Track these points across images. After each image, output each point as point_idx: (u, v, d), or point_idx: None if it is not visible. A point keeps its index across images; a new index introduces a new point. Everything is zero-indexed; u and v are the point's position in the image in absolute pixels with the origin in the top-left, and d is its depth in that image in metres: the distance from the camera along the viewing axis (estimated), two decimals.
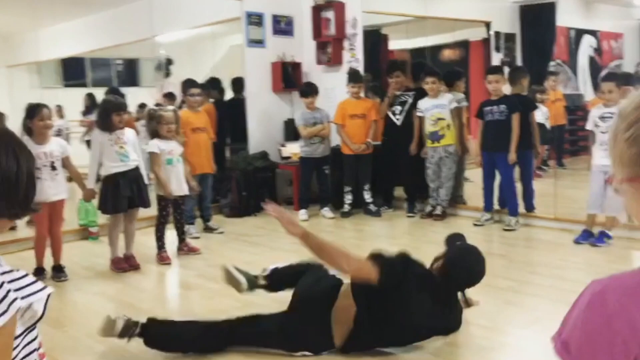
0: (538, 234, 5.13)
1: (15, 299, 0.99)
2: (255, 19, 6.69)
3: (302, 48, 6.99)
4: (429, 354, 2.84)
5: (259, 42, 6.74)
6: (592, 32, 8.87)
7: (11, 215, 1.08)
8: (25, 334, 1.06)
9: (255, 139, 6.79)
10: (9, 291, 0.99)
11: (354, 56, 6.63)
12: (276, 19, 6.86)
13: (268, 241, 5.37)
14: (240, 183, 6.34)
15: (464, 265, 2.80)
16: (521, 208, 5.37)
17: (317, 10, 6.77)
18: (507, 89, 5.40)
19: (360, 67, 6.46)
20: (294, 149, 6.60)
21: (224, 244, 5.24)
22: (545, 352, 2.63)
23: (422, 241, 5.02)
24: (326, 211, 6.12)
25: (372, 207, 6.03)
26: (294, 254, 5.02)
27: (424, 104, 5.60)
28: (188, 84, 5.50)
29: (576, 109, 8.18)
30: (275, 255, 4.98)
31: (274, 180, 6.73)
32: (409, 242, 5.05)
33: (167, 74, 7.69)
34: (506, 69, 5.89)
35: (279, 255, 4.96)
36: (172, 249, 4.81)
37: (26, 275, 1.04)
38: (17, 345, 1.05)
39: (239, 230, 5.74)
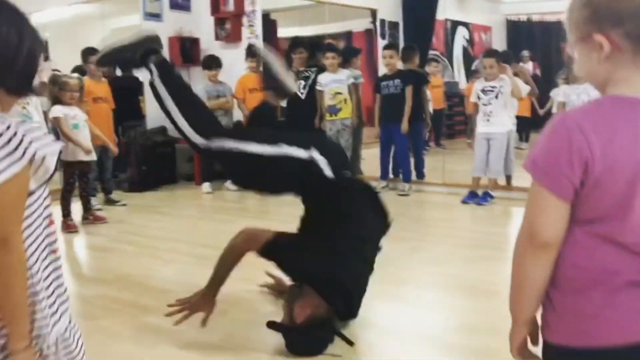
0: (430, 198, 5.61)
1: (30, 143, 1.04)
2: None
3: (200, 23, 7.00)
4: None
5: (156, 16, 6.67)
6: (465, 25, 9.64)
7: (9, 88, 1.13)
8: (41, 192, 1.12)
9: (153, 114, 6.70)
10: (24, 136, 1.04)
11: (253, 32, 6.76)
12: None
13: (173, 210, 5.40)
14: (139, 157, 6.26)
15: None
16: (413, 176, 5.82)
17: None
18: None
19: (259, 43, 6.60)
20: None
21: (129, 214, 5.19)
22: (448, 283, 3.00)
23: None
24: (229, 184, 6.21)
25: None
26: (203, 220, 5.12)
27: (323, 78, 5.86)
28: (88, 51, 5.36)
29: (453, 95, 8.90)
30: (184, 222, 5.04)
31: (174, 155, 6.70)
32: None
33: (46, 58, 7.33)
34: None
35: (187, 222, 5.03)
36: (77, 219, 4.71)
37: (39, 126, 1.10)
38: (34, 202, 1.11)
39: (141, 202, 5.69)
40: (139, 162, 6.24)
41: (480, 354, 2.39)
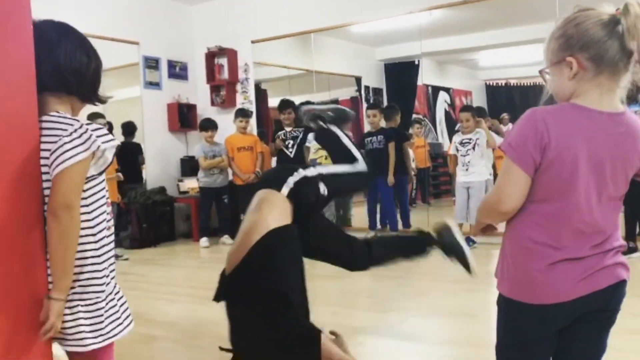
0: None
1: (97, 138, 1.41)
2: (151, 63, 7.13)
3: (196, 91, 7.51)
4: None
5: (155, 85, 7.17)
6: (446, 89, 10.23)
7: (81, 97, 1.52)
8: (102, 178, 1.48)
9: (152, 175, 7.09)
10: (92, 132, 1.41)
11: (247, 98, 7.27)
12: (171, 64, 7.36)
13: (173, 262, 5.68)
14: (140, 216, 6.58)
15: None
16: (399, 225, 6.16)
17: (210, 56, 7.37)
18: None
19: (253, 109, 7.09)
20: (191, 184, 6.99)
21: (131, 267, 5.46)
22: (431, 310, 3.24)
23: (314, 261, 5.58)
24: (226, 238, 6.52)
25: None
26: (200, 269, 5.40)
27: (310, 135, 6.30)
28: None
29: (437, 156, 9.35)
30: (184, 271, 5.32)
31: (172, 214, 7.03)
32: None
33: None
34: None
35: (187, 271, 5.31)
36: None
37: (102, 127, 1.47)
38: (94, 187, 1.46)
39: (142, 257, 5.96)
40: (139, 220, 6.56)
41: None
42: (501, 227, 1.48)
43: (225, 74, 7.34)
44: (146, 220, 6.59)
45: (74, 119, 1.45)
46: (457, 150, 5.62)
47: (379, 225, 6.29)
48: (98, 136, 1.43)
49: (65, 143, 1.39)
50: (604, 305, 1.38)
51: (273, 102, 8.68)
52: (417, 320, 3.38)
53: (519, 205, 1.34)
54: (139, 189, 6.87)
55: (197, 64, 7.52)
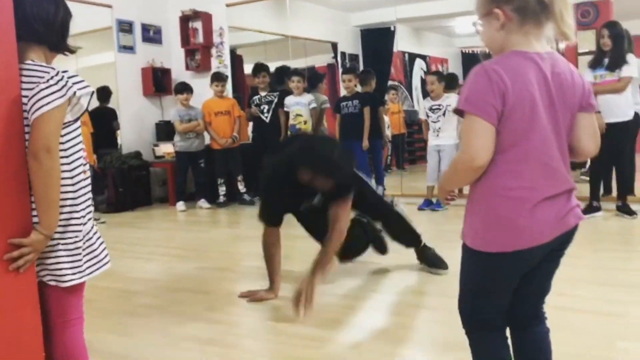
0: None
1: (72, 86, 1.47)
2: (125, 27, 7.05)
3: (170, 55, 7.46)
4: None
5: (129, 49, 7.10)
6: (423, 57, 10.30)
7: (50, 45, 1.56)
8: (73, 123, 1.53)
9: (127, 140, 7.08)
10: (68, 79, 1.47)
11: (222, 62, 7.25)
12: (145, 28, 7.28)
13: (150, 224, 5.74)
14: (116, 180, 6.59)
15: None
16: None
17: (184, 20, 7.31)
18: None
19: (228, 73, 7.08)
20: (167, 149, 7.00)
21: (109, 230, 5.49)
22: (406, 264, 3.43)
23: (291, 221, 5.66)
24: (203, 202, 6.58)
25: (246, 197, 6.61)
26: (177, 231, 5.46)
27: (288, 100, 6.35)
28: None
29: (413, 123, 9.45)
30: (161, 233, 5.39)
31: (149, 178, 7.05)
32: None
33: None
34: None
35: (164, 233, 5.38)
36: None
37: (77, 75, 1.52)
38: (70, 132, 1.52)
39: (119, 220, 6.00)
40: (115, 185, 6.57)
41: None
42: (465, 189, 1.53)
43: (200, 38, 7.30)
44: (122, 184, 6.61)
45: (50, 67, 1.50)
46: (428, 116, 5.71)
47: None
48: (74, 83, 1.49)
49: (42, 89, 1.44)
50: (563, 245, 1.48)
51: (248, 68, 8.67)
52: (393, 274, 3.50)
53: (490, 157, 1.36)
54: (114, 153, 6.86)
55: (171, 27, 7.45)
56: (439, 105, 5.59)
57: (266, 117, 6.61)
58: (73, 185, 1.53)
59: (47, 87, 1.44)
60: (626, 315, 2.57)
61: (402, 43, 9.34)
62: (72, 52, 1.64)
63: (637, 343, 2.28)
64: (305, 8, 8.16)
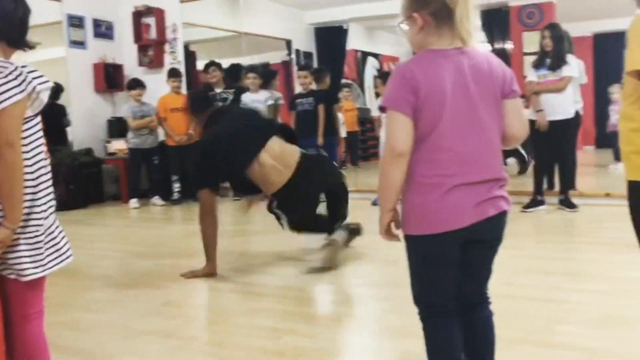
0: None
1: (32, 81, 1.48)
2: (75, 22, 6.92)
3: (122, 51, 7.37)
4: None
5: (80, 44, 6.98)
6: (375, 55, 10.46)
7: (9, 41, 1.57)
8: (33, 119, 1.54)
9: (79, 136, 6.96)
10: (27, 74, 1.48)
11: (176, 59, 7.21)
12: (97, 23, 7.17)
13: (103, 221, 5.68)
14: (66, 177, 6.47)
15: None
16: None
17: (137, 15, 7.24)
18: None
19: (182, 69, 7.04)
20: (119, 145, 6.92)
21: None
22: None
23: (246, 218, 5.70)
24: (156, 199, 6.53)
25: None
26: (131, 228, 5.43)
27: (245, 97, 6.38)
28: None
29: (365, 121, 9.61)
30: (115, 230, 5.34)
31: (100, 175, 6.94)
32: (234, 219, 5.71)
33: None
34: None
35: (117, 230, 5.33)
36: None
37: (36, 70, 1.53)
38: (31, 128, 1.54)
39: (71, 218, 5.89)
40: (66, 182, 6.45)
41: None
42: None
43: (153, 34, 7.23)
44: (73, 181, 6.49)
45: (9, 62, 1.51)
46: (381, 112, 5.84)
47: None
48: (34, 77, 1.51)
49: (1, 85, 1.45)
50: (489, 234, 1.58)
51: (202, 64, 8.63)
52: (351, 268, 3.59)
53: (410, 145, 1.49)
54: (65, 150, 6.73)
55: (123, 23, 7.35)
56: None
57: None
58: (34, 180, 1.54)
59: (6, 82, 1.46)
60: (567, 302, 2.74)
61: (355, 41, 9.45)
62: (32, 47, 1.65)
63: (576, 327, 2.43)
64: (260, 5, 8.18)
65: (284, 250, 4.15)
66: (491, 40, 7.11)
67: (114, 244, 4.60)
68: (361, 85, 10.20)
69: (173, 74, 6.58)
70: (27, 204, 1.53)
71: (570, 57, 4.86)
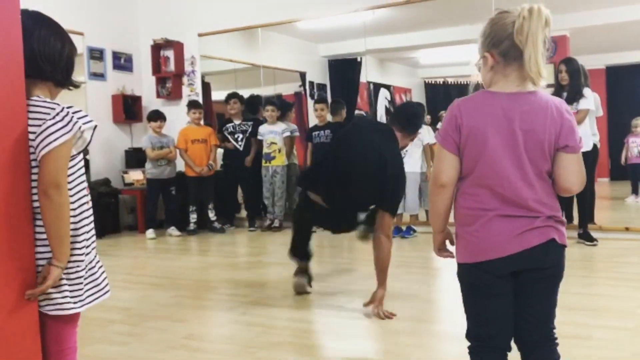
0: None
1: (77, 121, 1.52)
2: (96, 54, 7.07)
3: (141, 82, 7.50)
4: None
5: (100, 76, 7.11)
6: (387, 87, 10.56)
7: (56, 82, 1.62)
8: (77, 156, 1.59)
9: (96, 166, 7.04)
10: (73, 114, 1.53)
11: (193, 91, 7.32)
12: (116, 55, 7.31)
13: (121, 253, 5.71)
14: None
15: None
16: None
17: (156, 48, 7.38)
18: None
19: (200, 101, 7.14)
20: (136, 176, 6.99)
21: None
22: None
23: (262, 249, 5.72)
24: (172, 230, 6.57)
25: (217, 225, 6.63)
26: (148, 259, 5.43)
27: (262, 129, 6.46)
28: None
29: None
30: (133, 261, 5.35)
31: (117, 206, 7.00)
32: (250, 250, 5.74)
33: None
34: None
35: (135, 261, 5.35)
36: None
37: (81, 110, 1.57)
38: (74, 165, 1.58)
39: None
40: None
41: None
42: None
43: (172, 66, 7.36)
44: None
45: (56, 103, 1.55)
46: None
47: None
48: (79, 118, 1.54)
49: (49, 126, 1.49)
50: (536, 263, 1.58)
51: (216, 95, 8.76)
52: (366, 298, 3.57)
53: (453, 178, 1.60)
54: None
55: (142, 55, 7.50)
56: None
57: (240, 146, 6.69)
58: (75, 217, 1.58)
59: (54, 124, 1.50)
60: (590, 338, 2.71)
61: (368, 73, 9.55)
62: (77, 87, 1.70)
63: None
64: (275, 38, 8.30)
65: None
66: None
67: (132, 275, 4.61)
68: (374, 116, 10.28)
69: (194, 105, 6.68)
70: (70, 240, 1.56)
71: (586, 90, 4.89)
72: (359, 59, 8.95)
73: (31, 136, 1.51)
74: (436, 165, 1.63)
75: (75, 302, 1.58)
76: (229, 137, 6.71)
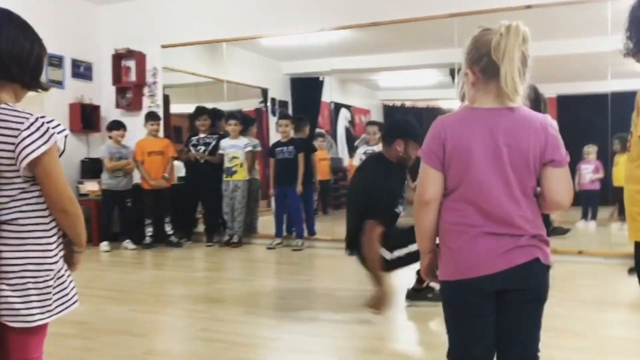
0: (320, 252, 6.13)
1: (53, 133, 1.47)
2: (54, 61, 6.88)
3: (100, 92, 7.33)
4: None
5: (58, 83, 6.92)
6: (347, 107, 10.66)
7: (23, 83, 1.54)
8: None
9: None
10: (48, 127, 1.47)
11: (154, 102, 7.20)
12: (76, 63, 7.13)
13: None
14: None
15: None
16: (305, 232, 6.36)
17: (117, 58, 7.24)
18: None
19: (160, 113, 7.03)
20: (91, 186, 6.79)
21: None
22: (338, 301, 3.36)
23: (220, 265, 5.63)
24: (128, 243, 6.39)
25: (173, 239, 6.49)
26: (103, 272, 5.25)
27: (224, 143, 6.39)
28: None
29: (338, 170, 9.73)
30: (87, 273, 5.18)
31: None
32: (208, 265, 5.64)
33: None
34: None
35: (89, 274, 5.18)
36: None
37: (53, 120, 1.51)
38: None
39: None
40: None
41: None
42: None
43: (133, 77, 7.23)
44: None
45: (28, 113, 1.48)
46: (361, 160, 5.89)
47: (285, 233, 6.44)
48: (52, 127, 1.49)
49: (25, 137, 1.44)
50: (520, 284, 1.55)
51: (176, 108, 8.64)
52: (328, 315, 3.54)
53: (437, 194, 1.58)
54: None
55: (103, 64, 7.35)
56: (374, 150, 5.80)
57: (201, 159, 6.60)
58: (47, 224, 1.51)
59: (29, 135, 1.44)
60: (552, 359, 2.75)
61: (329, 93, 9.63)
62: (45, 89, 1.62)
63: None
64: (239, 54, 8.28)
65: (257, 299, 4.10)
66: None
67: (87, 288, 4.42)
68: (334, 135, 10.34)
69: (152, 117, 6.56)
70: (42, 247, 1.49)
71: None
72: (320, 78, 9.01)
73: (2, 146, 1.44)
74: (420, 182, 1.60)
75: (42, 313, 1.51)
76: (192, 149, 6.63)
